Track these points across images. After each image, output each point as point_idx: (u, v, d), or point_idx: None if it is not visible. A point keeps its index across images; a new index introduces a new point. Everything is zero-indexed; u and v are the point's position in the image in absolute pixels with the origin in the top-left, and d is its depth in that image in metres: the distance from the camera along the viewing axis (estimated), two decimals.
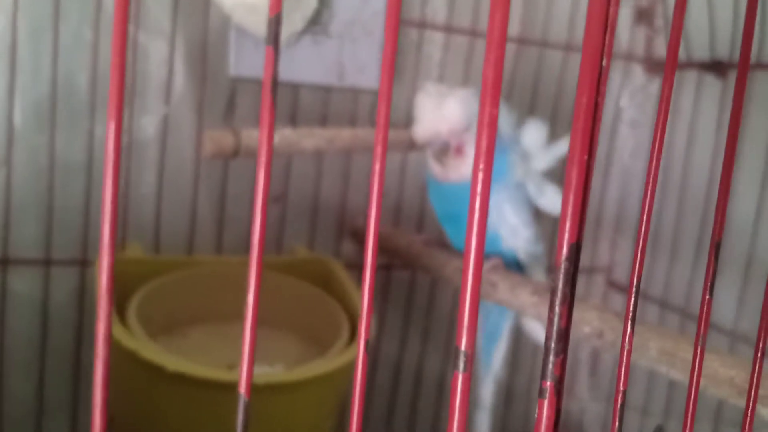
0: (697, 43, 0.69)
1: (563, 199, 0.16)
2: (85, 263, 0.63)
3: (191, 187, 0.66)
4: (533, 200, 0.57)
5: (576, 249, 0.16)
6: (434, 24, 0.71)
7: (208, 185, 0.66)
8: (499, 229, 0.56)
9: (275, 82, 0.16)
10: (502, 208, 0.56)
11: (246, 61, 0.64)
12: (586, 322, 0.47)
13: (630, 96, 0.79)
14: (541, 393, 0.17)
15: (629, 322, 0.20)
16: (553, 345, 0.17)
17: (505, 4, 0.15)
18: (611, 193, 0.81)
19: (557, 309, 0.16)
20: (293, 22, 0.60)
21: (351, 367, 0.49)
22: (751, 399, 0.23)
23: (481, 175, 0.15)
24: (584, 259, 0.80)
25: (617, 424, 0.20)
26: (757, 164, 0.63)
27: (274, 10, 0.16)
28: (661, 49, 0.77)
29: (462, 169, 0.54)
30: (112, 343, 0.17)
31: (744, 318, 0.65)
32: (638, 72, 0.79)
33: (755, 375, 0.22)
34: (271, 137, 0.17)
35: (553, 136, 0.57)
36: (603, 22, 0.15)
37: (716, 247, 0.21)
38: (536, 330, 0.61)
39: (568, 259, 0.16)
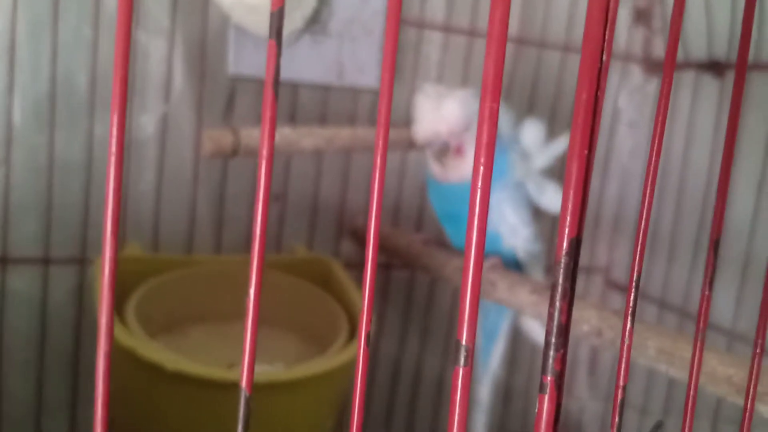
0: (695, 43, 0.70)
1: (563, 194, 0.16)
2: (84, 262, 0.63)
3: (190, 185, 0.66)
4: (533, 199, 0.57)
5: (576, 244, 0.16)
6: (433, 24, 0.71)
7: (207, 184, 0.66)
8: (499, 229, 0.57)
9: (277, 77, 0.17)
10: (501, 207, 0.56)
11: (245, 60, 0.64)
12: (585, 320, 0.47)
13: (628, 96, 0.79)
14: (541, 388, 0.17)
15: (629, 316, 0.20)
16: (553, 340, 0.17)
17: (506, 1, 0.15)
18: (610, 193, 0.81)
19: (557, 304, 0.17)
20: (293, 20, 0.60)
21: (350, 365, 0.49)
22: (750, 395, 0.23)
23: (481, 170, 0.16)
24: (583, 259, 0.80)
25: (617, 419, 0.20)
26: (754, 164, 0.64)
27: (277, 5, 0.16)
28: (659, 50, 0.78)
29: (462, 169, 0.54)
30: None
31: (742, 317, 0.65)
32: (636, 72, 0.79)
33: (753, 371, 0.23)
34: (272, 132, 0.17)
35: (551, 136, 0.58)
36: (603, 18, 0.15)
37: (715, 244, 0.22)
38: (535, 329, 0.61)
39: (568, 254, 0.16)
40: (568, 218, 0.16)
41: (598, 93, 0.15)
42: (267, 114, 0.17)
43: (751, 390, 0.24)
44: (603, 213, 0.81)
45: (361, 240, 0.69)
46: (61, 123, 0.61)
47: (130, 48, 0.16)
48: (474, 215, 0.16)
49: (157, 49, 0.63)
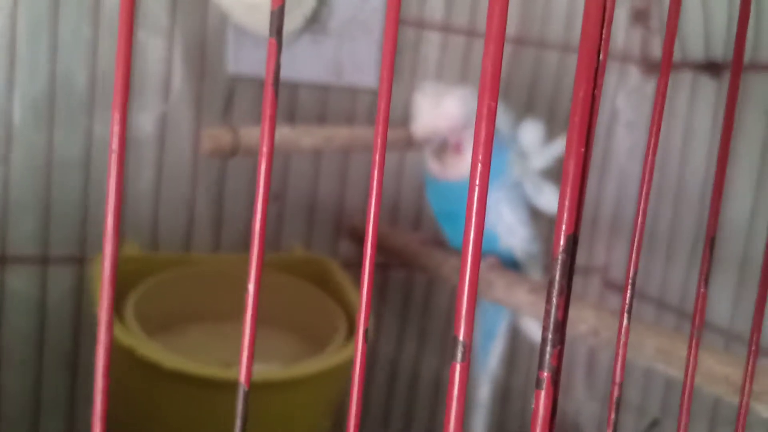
0: (693, 43, 0.70)
1: (560, 191, 0.16)
2: (82, 261, 0.63)
3: (189, 184, 0.66)
4: (531, 199, 0.57)
5: (573, 240, 0.16)
6: (432, 24, 0.71)
7: (205, 183, 0.66)
8: (497, 228, 0.57)
9: (278, 75, 0.17)
10: (499, 207, 0.56)
11: (244, 59, 0.64)
12: (583, 320, 0.47)
13: (626, 97, 0.80)
14: (538, 384, 0.17)
15: (625, 313, 0.20)
16: (550, 336, 0.17)
17: (504, 0, 0.15)
18: (607, 194, 0.81)
19: (554, 300, 0.17)
20: (292, 19, 0.60)
21: (348, 364, 0.49)
22: (745, 393, 0.23)
23: (479, 168, 0.16)
24: (580, 259, 0.80)
25: (613, 416, 0.20)
26: (751, 164, 0.64)
27: (278, 3, 0.16)
28: (656, 50, 0.78)
29: (460, 167, 0.54)
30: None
31: (739, 317, 0.65)
32: (634, 73, 0.79)
33: (748, 369, 0.23)
34: (272, 130, 0.17)
35: (550, 136, 0.58)
36: (600, 16, 0.15)
37: (711, 241, 0.22)
38: (533, 329, 0.61)
39: (565, 250, 0.16)
40: (565, 215, 0.16)
41: (595, 91, 0.15)
42: (267, 112, 0.17)
43: (746, 388, 0.24)
44: (601, 213, 0.82)
45: (359, 239, 0.69)
46: (60, 122, 0.61)
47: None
48: (472, 212, 0.16)
49: (157, 48, 0.63)
